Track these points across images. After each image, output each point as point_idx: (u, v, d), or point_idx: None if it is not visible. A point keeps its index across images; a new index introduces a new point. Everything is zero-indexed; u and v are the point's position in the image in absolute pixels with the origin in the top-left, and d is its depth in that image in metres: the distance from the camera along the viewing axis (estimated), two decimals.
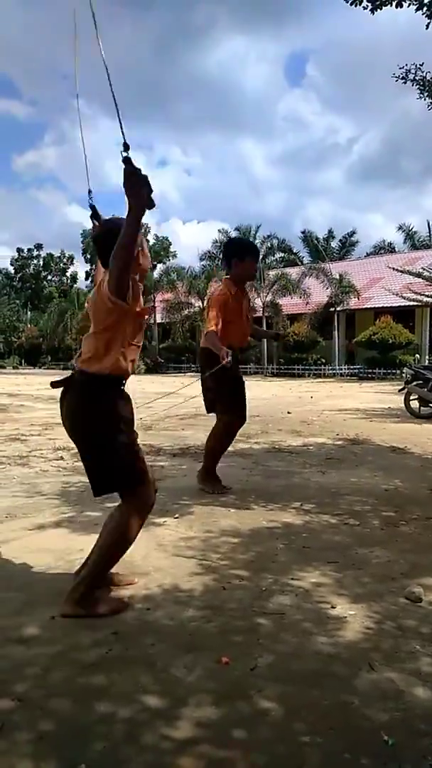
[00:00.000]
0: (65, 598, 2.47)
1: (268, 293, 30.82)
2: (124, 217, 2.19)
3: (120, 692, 1.92)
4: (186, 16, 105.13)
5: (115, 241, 2.22)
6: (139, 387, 19.34)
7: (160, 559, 3.14)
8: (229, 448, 6.86)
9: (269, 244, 36.61)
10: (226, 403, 4.64)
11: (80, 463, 2.70)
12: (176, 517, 3.92)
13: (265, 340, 29.51)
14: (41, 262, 67.56)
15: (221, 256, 4.84)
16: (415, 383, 10.40)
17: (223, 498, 4.46)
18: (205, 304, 5.39)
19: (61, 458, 6.17)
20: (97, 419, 2.45)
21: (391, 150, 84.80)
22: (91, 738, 1.69)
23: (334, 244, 42.74)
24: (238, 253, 4.53)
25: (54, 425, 8.18)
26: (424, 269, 19.20)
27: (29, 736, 1.70)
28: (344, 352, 29.37)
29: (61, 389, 2.57)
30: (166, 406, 7.88)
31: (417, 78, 8.23)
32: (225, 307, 4.42)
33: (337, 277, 29.18)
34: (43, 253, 67.33)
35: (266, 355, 31.34)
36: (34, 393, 16.15)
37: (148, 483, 2.57)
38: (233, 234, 44.24)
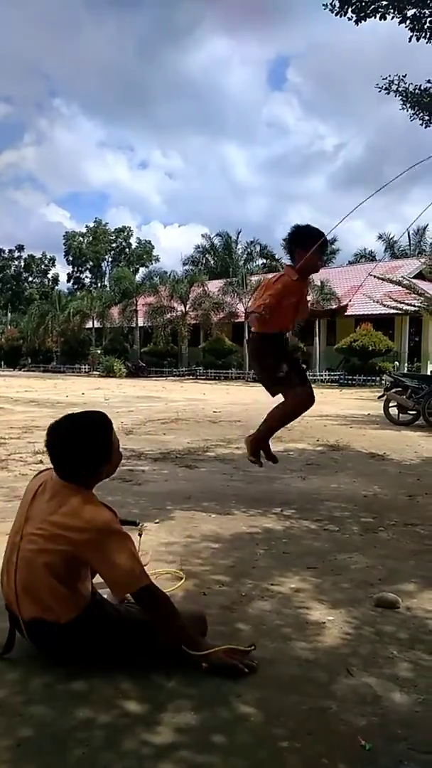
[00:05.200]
0: None
1: (250, 298, 30.90)
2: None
3: (100, 698, 1.91)
4: (170, 15, 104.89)
5: None
6: (120, 391, 19.29)
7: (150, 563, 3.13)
8: (210, 453, 6.89)
9: (250, 250, 36.85)
10: (282, 377, 4.31)
11: None
12: (157, 522, 3.92)
13: (246, 343, 29.54)
14: (22, 264, 67.12)
15: (284, 246, 4.40)
16: (394, 390, 10.52)
17: (204, 503, 4.47)
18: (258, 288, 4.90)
19: (41, 462, 6.12)
20: None
21: (373, 157, 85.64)
22: (70, 744, 1.68)
23: None
24: (304, 243, 4.05)
25: (33, 428, 8.13)
26: (404, 278, 19.43)
27: (8, 743, 1.69)
28: (332, 358, 29.50)
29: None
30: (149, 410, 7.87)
31: (400, 89, 8.34)
32: (283, 292, 3.98)
33: (319, 284, 29.39)
34: (24, 255, 66.96)
35: (248, 361, 31.40)
36: (13, 395, 15.99)
37: None
38: (216, 240, 44.51)
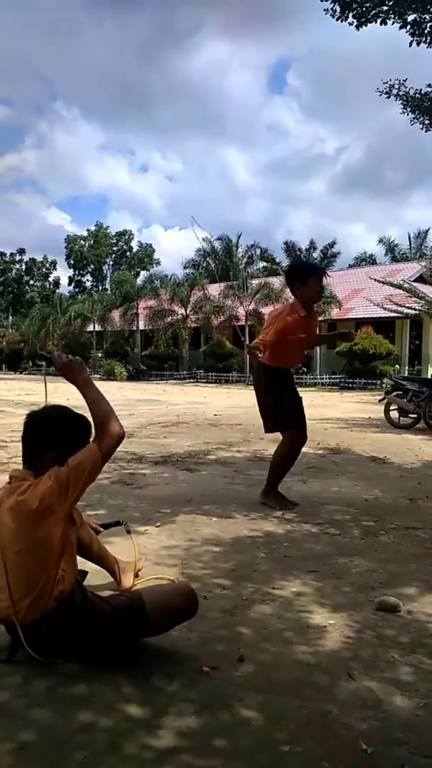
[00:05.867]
0: None
1: (251, 302, 30.94)
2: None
3: (101, 701, 1.91)
4: (170, 18, 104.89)
5: None
6: (121, 394, 19.29)
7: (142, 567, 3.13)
8: (211, 457, 6.89)
9: (251, 254, 36.83)
10: (296, 416, 4.57)
11: None
12: (158, 526, 3.92)
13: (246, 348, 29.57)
14: (23, 267, 67.25)
15: (285, 281, 4.80)
16: (394, 393, 10.51)
17: (205, 506, 4.47)
18: (260, 309, 5.26)
19: None
20: None
21: (373, 161, 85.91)
22: (72, 748, 1.69)
23: (316, 254, 43.07)
24: (301, 276, 4.49)
25: None
26: (404, 281, 19.45)
27: (9, 746, 1.69)
28: (333, 361, 29.51)
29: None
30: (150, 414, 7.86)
31: (400, 93, 8.38)
32: (287, 331, 4.34)
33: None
34: (25, 258, 67.09)
35: (248, 364, 31.41)
36: (14, 398, 16.00)
37: None
38: (217, 243, 44.55)
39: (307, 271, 4.64)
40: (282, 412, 4.58)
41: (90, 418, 2.31)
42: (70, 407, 2.38)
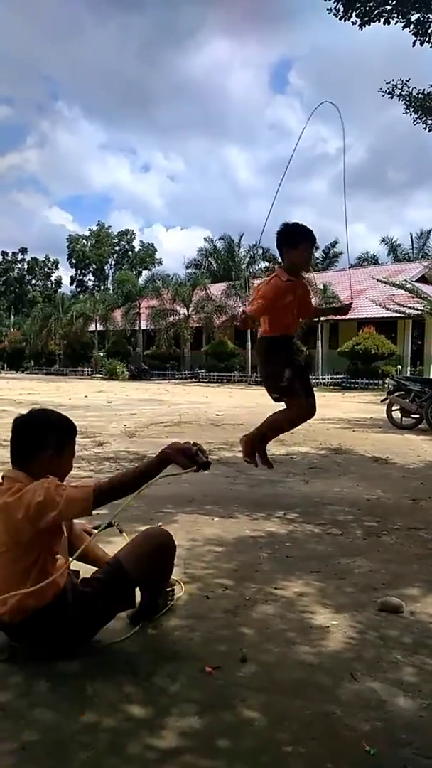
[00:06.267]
0: None
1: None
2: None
3: (104, 702, 1.91)
4: (172, 18, 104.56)
5: None
6: (123, 393, 19.30)
7: None
8: (213, 456, 6.88)
9: (253, 254, 36.84)
10: (300, 387, 4.37)
11: None
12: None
13: (249, 351, 29.57)
14: (25, 266, 67.28)
15: (275, 245, 4.45)
16: (397, 394, 10.50)
17: (207, 506, 4.46)
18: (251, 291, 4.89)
19: None
20: None
21: (375, 161, 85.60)
22: (74, 748, 1.68)
23: (318, 254, 43.13)
24: (290, 240, 4.16)
25: None
26: (406, 281, 19.43)
27: (12, 746, 1.69)
28: (335, 361, 29.49)
29: None
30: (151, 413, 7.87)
31: (403, 93, 8.36)
32: (274, 296, 4.03)
33: (321, 287, 29.39)
34: (27, 257, 67.13)
35: (250, 364, 31.41)
36: (16, 398, 16.01)
37: None
38: (219, 243, 44.52)
39: (297, 235, 4.22)
40: (285, 383, 4.34)
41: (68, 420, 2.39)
42: (57, 410, 2.44)
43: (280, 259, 4.45)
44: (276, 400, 4.33)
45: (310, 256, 4.29)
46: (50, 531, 2.13)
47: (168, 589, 2.64)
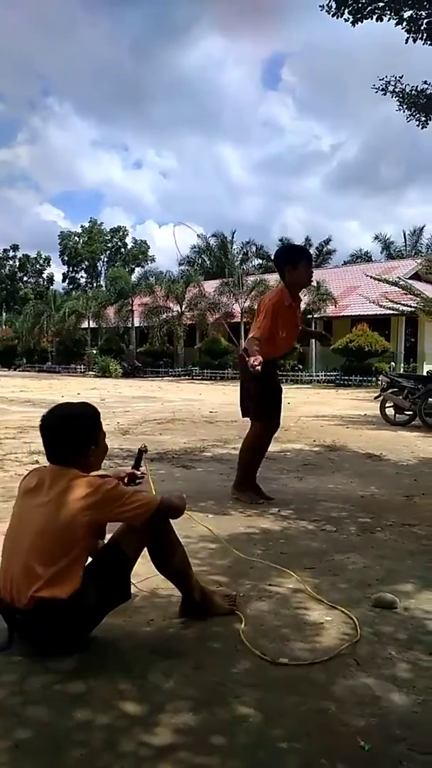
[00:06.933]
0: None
1: (246, 299, 30.92)
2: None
3: (98, 699, 1.90)
4: (165, 14, 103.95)
5: None
6: (116, 391, 19.26)
7: (138, 564, 3.11)
8: (207, 453, 6.88)
9: (246, 251, 36.85)
10: (264, 409, 4.53)
11: None
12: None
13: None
14: (17, 263, 67.00)
15: (274, 265, 4.64)
16: (390, 391, 10.53)
17: (201, 503, 4.46)
18: (256, 307, 5.04)
19: (37, 462, 6.10)
20: None
21: (368, 158, 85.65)
22: (68, 745, 1.68)
23: (312, 251, 43.15)
24: (291, 261, 4.35)
25: (29, 428, 8.09)
26: (400, 278, 19.47)
27: (5, 744, 1.68)
28: (328, 358, 29.56)
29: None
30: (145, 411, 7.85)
31: (396, 90, 8.35)
32: (278, 318, 4.26)
33: (315, 284, 29.43)
34: (19, 254, 66.84)
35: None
36: (8, 396, 15.95)
37: None
38: (212, 240, 44.52)
39: (296, 255, 4.46)
40: (257, 403, 4.55)
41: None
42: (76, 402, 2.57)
43: (280, 278, 4.59)
44: (244, 415, 4.60)
45: (310, 274, 4.49)
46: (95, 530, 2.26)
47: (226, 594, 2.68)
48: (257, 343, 4.18)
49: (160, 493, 2.54)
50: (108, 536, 2.44)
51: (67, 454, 2.31)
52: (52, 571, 2.11)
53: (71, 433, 2.33)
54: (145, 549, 2.37)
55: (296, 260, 4.36)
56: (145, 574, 2.97)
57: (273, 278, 32.47)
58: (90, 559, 2.31)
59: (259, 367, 3.97)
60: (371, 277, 20.26)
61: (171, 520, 2.38)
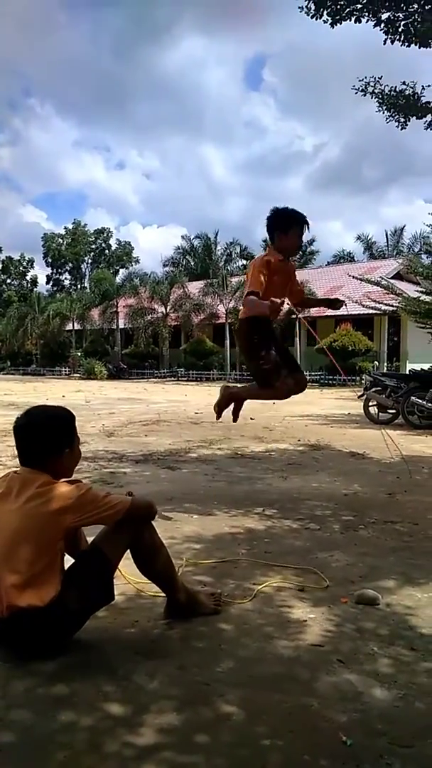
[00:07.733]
0: None
1: (230, 300, 30.97)
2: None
3: (82, 701, 1.90)
4: (147, 13, 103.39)
5: None
6: (101, 393, 19.19)
7: (122, 565, 3.12)
8: (192, 455, 6.89)
9: (230, 251, 36.88)
10: (288, 368, 4.11)
11: None
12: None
13: (228, 349, 29.59)
14: (0, 266, 66.44)
15: (266, 228, 4.39)
16: (373, 390, 10.61)
17: (186, 504, 4.47)
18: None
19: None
20: None
21: (351, 158, 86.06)
22: (52, 748, 1.68)
23: None
24: (282, 225, 4.11)
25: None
26: (382, 278, 19.60)
27: None
28: (312, 358, 29.65)
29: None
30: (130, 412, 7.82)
31: (376, 91, 8.41)
32: (268, 272, 3.95)
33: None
34: (1, 257, 66.28)
35: (229, 362, 31.47)
36: None
37: None
38: (196, 241, 44.50)
39: (290, 221, 4.17)
40: (269, 365, 4.18)
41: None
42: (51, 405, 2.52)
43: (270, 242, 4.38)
44: (262, 384, 4.24)
45: (301, 241, 4.29)
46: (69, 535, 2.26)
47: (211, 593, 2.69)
48: (258, 296, 3.81)
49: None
50: (89, 539, 2.44)
51: (39, 455, 2.28)
52: (25, 579, 2.10)
53: (44, 434, 2.30)
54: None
55: (287, 227, 4.18)
56: (128, 575, 2.97)
57: None
58: (71, 564, 2.31)
59: (279, 304, 3.71)
60: (354, 277, 20.36)
61: (155, 524, 2.39)
